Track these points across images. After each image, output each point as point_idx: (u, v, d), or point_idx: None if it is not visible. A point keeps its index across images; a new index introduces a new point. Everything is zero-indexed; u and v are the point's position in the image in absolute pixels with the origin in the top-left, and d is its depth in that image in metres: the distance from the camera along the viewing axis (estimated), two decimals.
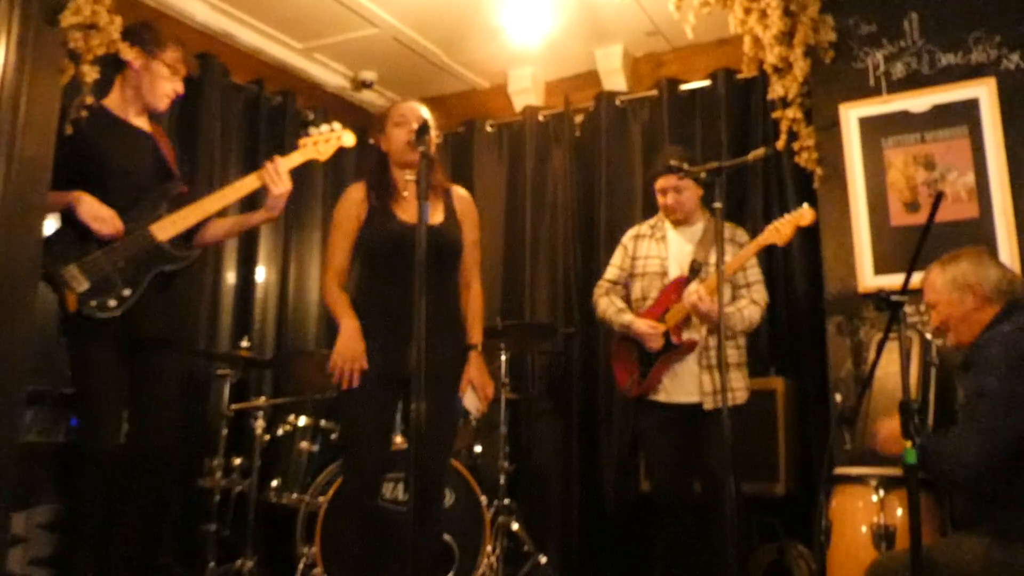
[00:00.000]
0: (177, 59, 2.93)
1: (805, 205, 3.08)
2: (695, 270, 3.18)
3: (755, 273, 3.26)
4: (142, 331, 2.79)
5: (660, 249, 3.31)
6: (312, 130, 3.09)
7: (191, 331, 3.50)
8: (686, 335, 3.15)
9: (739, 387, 3.15)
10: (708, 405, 3.09)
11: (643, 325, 3.21)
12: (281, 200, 2.95)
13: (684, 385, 3.15)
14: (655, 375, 3.17)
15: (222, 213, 3.05)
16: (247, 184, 2.95)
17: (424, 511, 2.57)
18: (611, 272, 3.46)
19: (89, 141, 2.82)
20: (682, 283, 3.18)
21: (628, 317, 3.28)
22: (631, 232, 3.48)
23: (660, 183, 3.29)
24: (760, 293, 3.23)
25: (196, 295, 4.02)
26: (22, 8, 2.73)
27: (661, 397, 3.18)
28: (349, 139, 3.09)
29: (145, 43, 2.89)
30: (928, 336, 2.93)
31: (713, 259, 3.05)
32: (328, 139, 3.06)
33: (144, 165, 2.90)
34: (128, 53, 2.89)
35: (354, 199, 2.79)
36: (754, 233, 3.31)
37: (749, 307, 3.17)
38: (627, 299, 3.38)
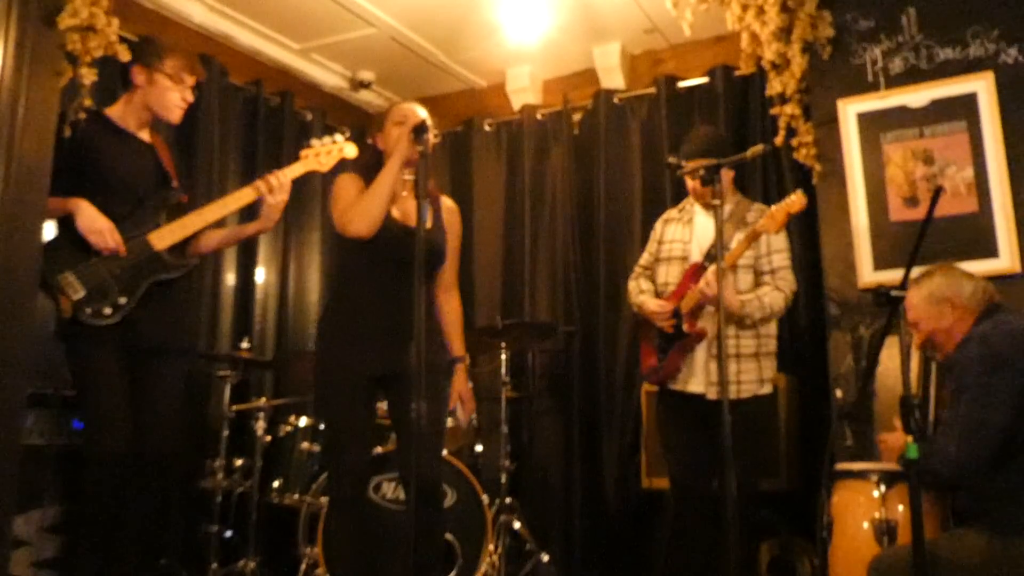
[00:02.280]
0: (179, 67, 2.91)
1: (798, 191, 2.95)
2: (711, 256, 3.09)
3: (781, 258, 3.13)
4: (140, 339, 2.79)
5: (684, 233, 3.25)
6: (314, 141, 3.09)
7: (190, 338, 3.50)
8: (701, 323, 3.08)
9: (749, 379, 3.03)
10: (711, 395, 3.03)
11: (652, 304, 3.18)
12: (276, 211, 2.98)
13: (695, 374, 3.10)
14: (671, 363, 3.13)
15: (221, 223, 3.06)
16: (245, 195, 2.96)
17: (424, 509, 2.58)
18: (643, 258, 3.43)
19: (89, 149, 2.83)
20: (699, 269, 3.10)
21: (642, 297, 3.26)
22: (663, 216, 3.44)
23: (688, 167, 3.15)
24: (786, 280, 3.10)
25: (196, 297, 4.02)
26: (20, 10, 2.74)
27: (678, 386, 3.14)
28: (351, 150, 3.09)
29: (145, 58, 2.88)
30: None
31: (733, 244, 2.99)
32: (330, 151, 3.06)
33: (144, 175, 2.91)
34: (126, 55, 2.90)
35: (355, 183, 2.73)
36: None
37: (771, 294, 3.05)
38: (655, 284, 3.33)
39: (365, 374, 2.63)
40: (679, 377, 3.14)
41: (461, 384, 2.83)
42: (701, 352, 3.10)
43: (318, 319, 2.82)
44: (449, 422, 2.83)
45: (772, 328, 3.15)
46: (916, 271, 2.48)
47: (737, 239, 3.02)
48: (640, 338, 3.38)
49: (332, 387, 2.69)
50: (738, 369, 3.02)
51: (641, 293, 3.31)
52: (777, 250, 3.14)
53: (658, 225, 3.42)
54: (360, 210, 2.61)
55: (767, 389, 3.10)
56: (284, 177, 2.96)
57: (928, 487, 2.49)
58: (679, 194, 4.24)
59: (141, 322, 2.77)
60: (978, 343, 2.31)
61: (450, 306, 2.89)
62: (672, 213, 3.41)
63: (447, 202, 2.94)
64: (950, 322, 2.44)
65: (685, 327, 3.08)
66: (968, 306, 2.43)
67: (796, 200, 2.91)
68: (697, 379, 3.10)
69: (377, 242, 2.64)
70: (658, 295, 3.26)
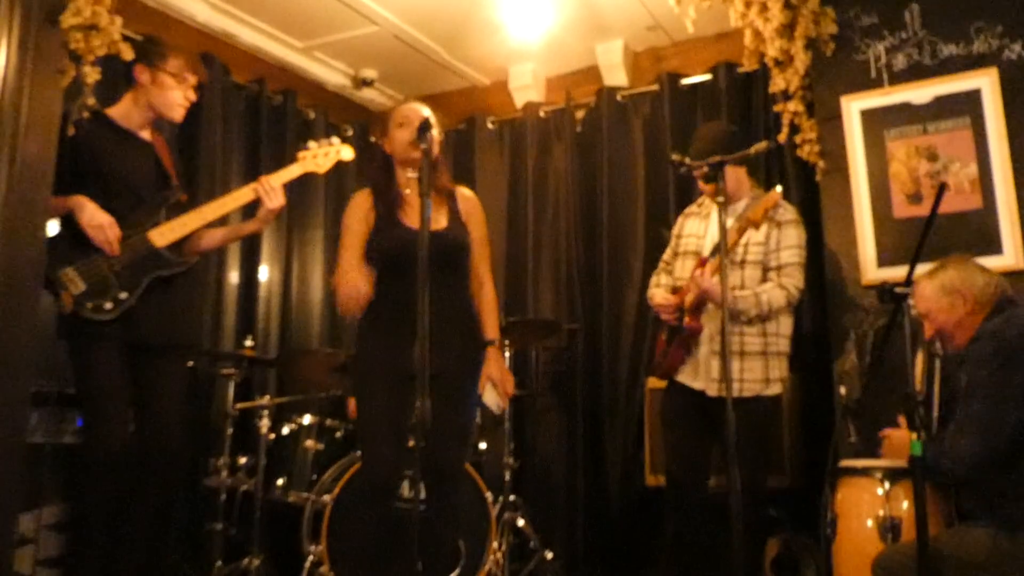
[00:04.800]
0: (182, 67, 2.94)
1: (777, 187, 2.92)
2: (715, 251, 3.05)
3: (790, 255, 3.05)
4: (141, 336, 2.81)
5: (700, 228, 3.24)
6: (311, 144, 3.14)
7: (191, 335, 3.51)
8: (704, 318, 3.06)
9: (753, 378, 2.99)
10: (711, 392, 3.01)
11: (658, 297, 3.21)
12: (273, 213, 3.02)
13: (699, 370, 3.08)
14: (672, 356, 3.12)
15: (221, 221, 3.07)
16: (243, 195, 3.01)
17: (438, 509, 2.58)
18: (665, 252, 3.43)
19: (90, 149, 2.85)
20: (705, 264, 3.08)
21: (653, 290, 3.30)
22: (685, 211, 3.43)
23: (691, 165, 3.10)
24: (792, 278, 3.02)
25: (200, 295, 4.02)
26: (23, 9, 2.74)
27: (681, 378, 3.13)
28: (347, 153, 3.15)
29: (148, 57, 2.91)
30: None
31: (744, 238, 2.99)
32: (327, 153, 3.12)
33: (144, 173, 2.94)
34: (129, 54, 2.91)
35: (362, 206, 2.77)
36: None
37: (772, 291, 2.98)
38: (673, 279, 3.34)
39: (400, 373, 2.59)
40: (682, 371, 3.13)
41: (491, 367, 2.73)
42: (705, 348, 3.08)
43: (359, 321, 2.80)
44: (493, 404, 2.76)
45: (783, 328, 3.09)
46: (929, 264, 2.47)
47: (769, 231, 3.01)
48: (658, 331, 3.38)
49: (367, 386, 2.68)
50: (741, 367, 2.99)
51: (654, 287, 3.34)
52: (788, 246, 3.07)
53: (679, 219, 3.41)
54: (342, 295, 2.63)
55: (774, 390, 3.05)
56: (277, 180, 3.00)
57: (938, 484, 2.49)
58: (682, 191, 4.26)
59: (142, 319, 2.79)
60: (990, 339, 2.29)
61: (483, 293, 2.84)
62: (692, 208, 3.39)
63: (464, 192, 2.90)
64: (961, 315, 2.41)
65: (685, 321, 3.08)
66: (980, 299, 2.40)
67: (770, 197, 2.85)
68: (700, 375, 3.08)
69: (393, 250, 2.65)
70: (675, 291, 3.25)
